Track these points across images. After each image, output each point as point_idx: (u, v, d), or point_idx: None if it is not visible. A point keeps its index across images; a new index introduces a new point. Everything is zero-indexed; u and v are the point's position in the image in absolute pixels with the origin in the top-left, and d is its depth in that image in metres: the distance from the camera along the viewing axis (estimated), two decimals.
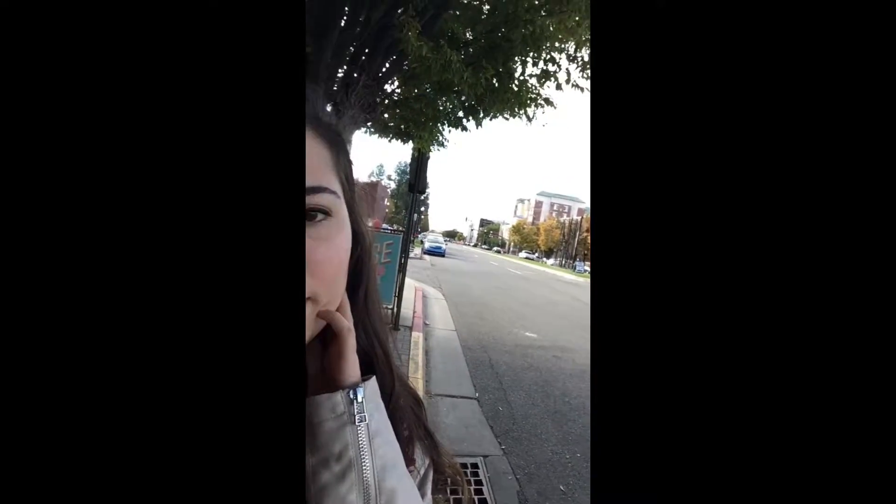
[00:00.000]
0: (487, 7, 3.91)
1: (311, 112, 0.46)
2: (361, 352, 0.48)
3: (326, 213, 0.44)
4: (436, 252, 28.13)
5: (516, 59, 3.86)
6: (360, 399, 0.43)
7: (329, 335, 0.46)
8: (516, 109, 4.07)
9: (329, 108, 0.51)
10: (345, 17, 3.54)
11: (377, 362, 0.51)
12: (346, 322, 0.46)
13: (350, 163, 0.50)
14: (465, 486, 0.55)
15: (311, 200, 0.42)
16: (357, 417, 0.42)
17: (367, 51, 3.86)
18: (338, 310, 0.46)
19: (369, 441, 0.42)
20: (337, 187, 0.45)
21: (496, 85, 3.82)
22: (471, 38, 4.07)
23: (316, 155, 0.45)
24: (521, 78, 3.99)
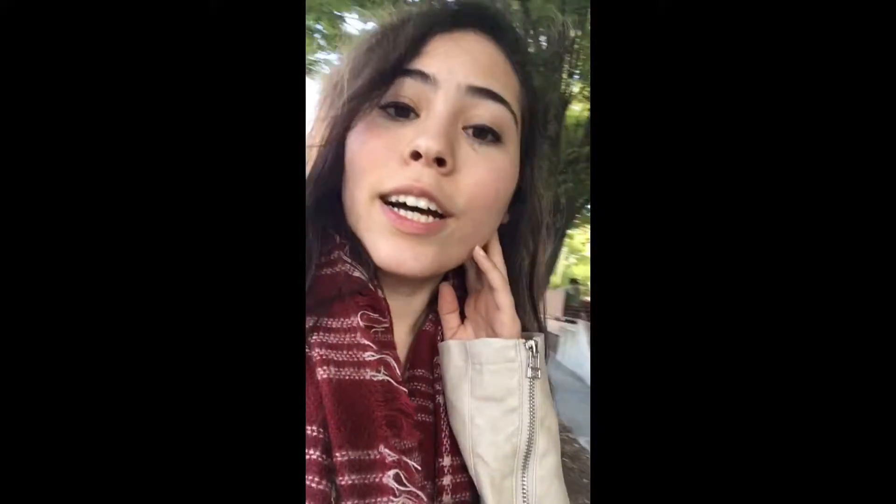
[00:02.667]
0: None
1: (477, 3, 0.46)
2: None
3: (496, 136, 0.44)
4: None
5: None
6: (535, 352, 0.44)
7: (485, 283, 0.46)
8: None
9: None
10: None
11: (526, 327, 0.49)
12: (501, 275, 0.45)
13: (537, 97, 0.49)
14: None
15: (480, 105, 0.43)
16: (531, 371, 0.43)
17: None
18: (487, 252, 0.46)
19: (539, 397, 0.43)
20: (515, 109, 0.45)
21: None
22: None
23: (487, 56, 0.44)
24: None
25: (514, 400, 0.42)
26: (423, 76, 0.42)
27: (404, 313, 0.47)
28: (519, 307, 0.47)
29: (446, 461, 0.44)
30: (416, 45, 0.42)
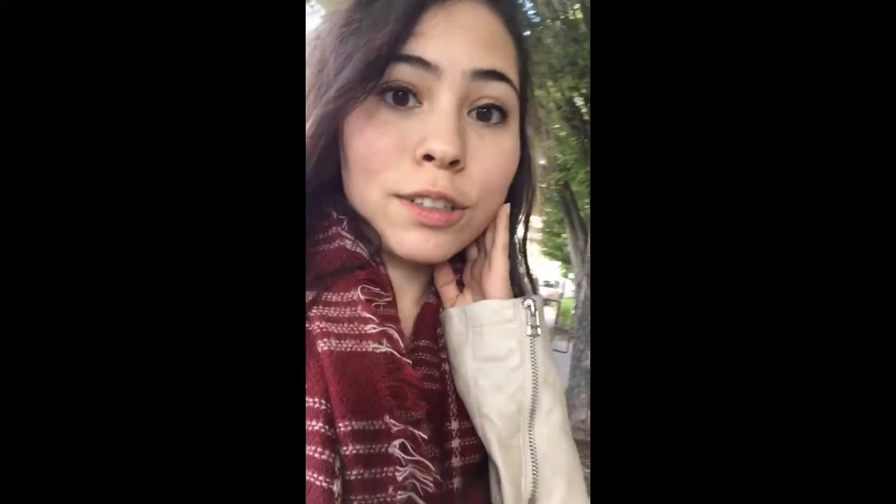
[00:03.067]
0: None
1: None
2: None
3: (502, 111, 0.44)
4: None
5: None
6: (533, 310, 0.44)
7: (484, 244, 0.48)
8: None
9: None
10: None
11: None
12: (507, 236, 0.46)
13: (529, 59, 0.48)
14: None
15: (486, 87, 0.42)
16: (530, 329, 0.43)
17: None
18: (494, 224, 0.47)
19: (540, 355, 0.43)
20: (516, 82, 0.44)
21: None
22: None
23: (485, 27, 0.42)
24: None
25: (515, 359, 0.42)
26: (424, 63, 0.40)
27: (408, 288, 0.48)
28: (513, 268, 0.48)
29: (454, 425, 0.44)
30: (408, 24, 0.40)
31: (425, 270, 0.48)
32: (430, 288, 0.49)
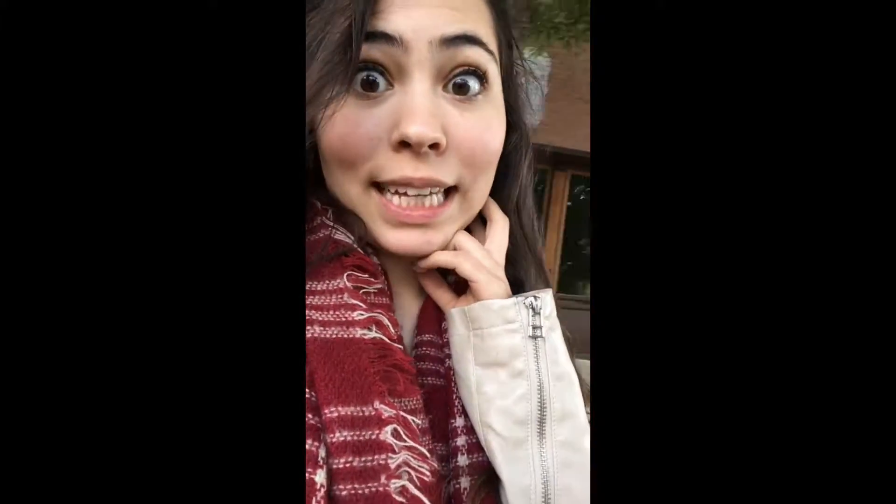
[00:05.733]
0: None
1: None
2: (509, 268, 0.45)
3: (480, 77, 0.40)
4: None
5: None
6: (537, 309, 0.40)
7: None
8: None
9: None
10: None
11: (528, 280, 0.46)
12: (471, 258, 0.42)
13: (511, 28, 0.44)
14: None
15: (458, 55, 0.38)
16: (534, 330, 0.40)
17: None
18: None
19: (546, 356, 0.40)
20: (493, 45, 0.41)
21: None
22: None
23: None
24: None
25: (519, 363, 0.39)
26: (387, 38, 0.37)
27: (409, 279, 0.46)
28: (513, 241, 0.46)
29: (459, 422, 0.42)
30: (368, 3, 0.36)
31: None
32: None
